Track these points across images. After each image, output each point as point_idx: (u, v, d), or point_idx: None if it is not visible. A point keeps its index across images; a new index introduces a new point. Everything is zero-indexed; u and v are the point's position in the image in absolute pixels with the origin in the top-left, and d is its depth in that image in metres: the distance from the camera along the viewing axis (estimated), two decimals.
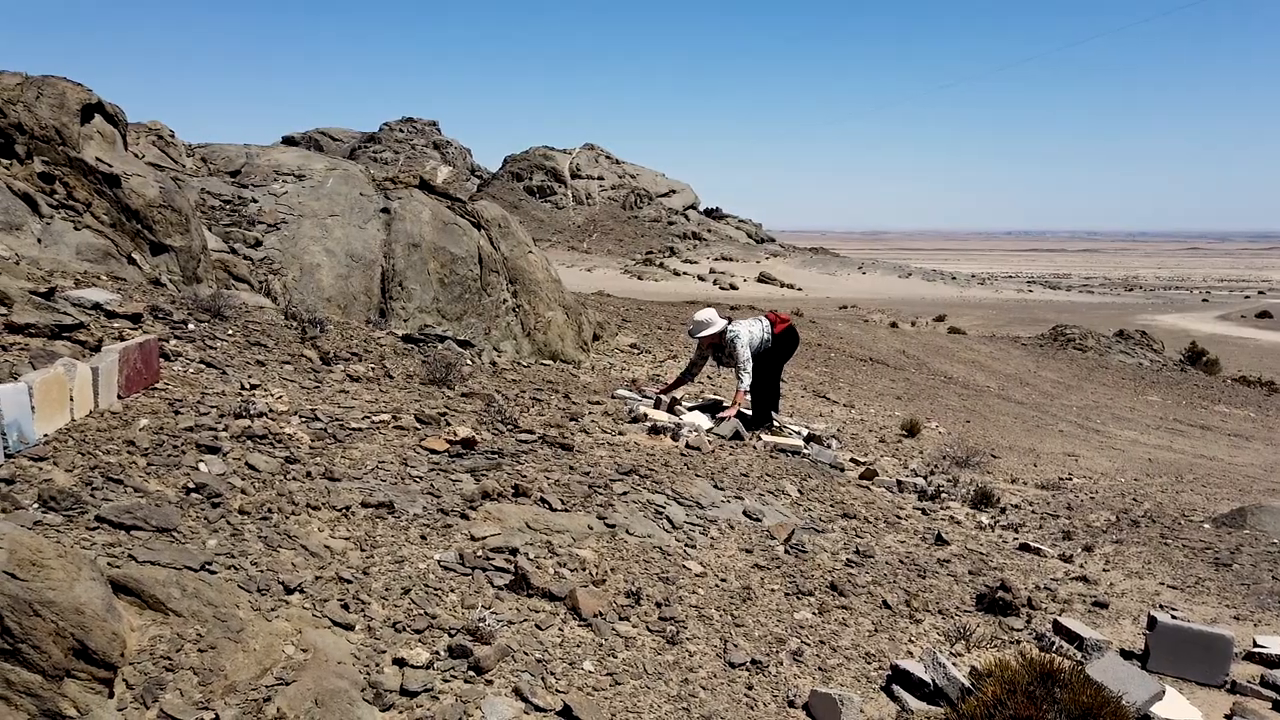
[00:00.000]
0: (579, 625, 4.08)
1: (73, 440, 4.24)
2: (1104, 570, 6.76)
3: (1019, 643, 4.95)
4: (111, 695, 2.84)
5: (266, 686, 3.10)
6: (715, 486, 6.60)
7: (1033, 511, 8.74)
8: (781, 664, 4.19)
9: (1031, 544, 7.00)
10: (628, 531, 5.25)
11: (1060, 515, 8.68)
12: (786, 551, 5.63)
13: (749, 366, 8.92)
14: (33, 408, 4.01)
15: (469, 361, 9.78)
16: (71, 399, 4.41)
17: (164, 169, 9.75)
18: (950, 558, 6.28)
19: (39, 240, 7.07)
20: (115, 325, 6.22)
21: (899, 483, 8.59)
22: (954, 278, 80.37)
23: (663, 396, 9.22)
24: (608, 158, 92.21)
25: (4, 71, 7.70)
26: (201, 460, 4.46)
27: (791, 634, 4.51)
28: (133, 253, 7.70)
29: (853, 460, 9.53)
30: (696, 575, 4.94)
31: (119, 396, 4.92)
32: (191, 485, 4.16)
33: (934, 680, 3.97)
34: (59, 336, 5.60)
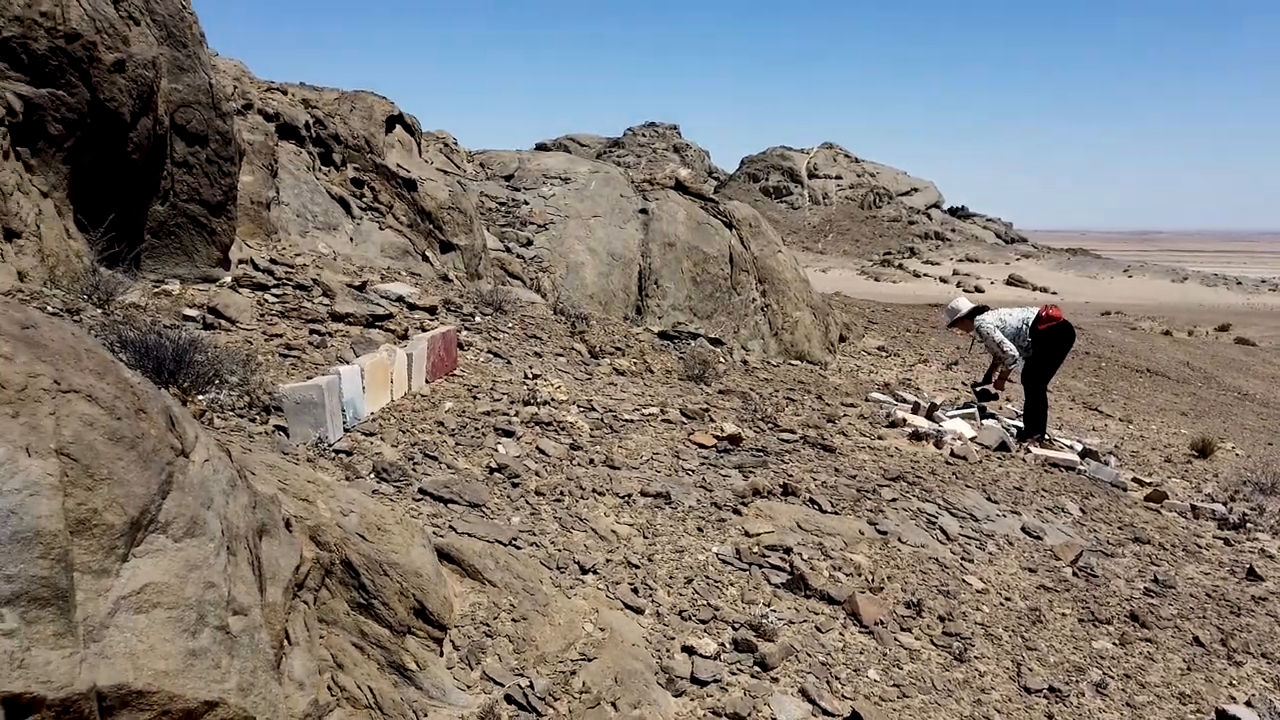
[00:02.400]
0: (860, 632, 3.99)
1: (394, 419, 4.68)
2: None
3: None
4: (441, 654, 3.09)
5: (571, 660, 3.25)
6: (988, 499, 6.24)
7: None
8: (1083, 695, 3.87)
9: None
10: (900, 539, 5.08)
11: None
12: (1074, 574, 5.22)
13: (1008, 345, 8.35)
14: (363, 388, 4.47)
15: (721, 359, 9.89)
16: (391, 381, 4.87)
17: (449, 174, 10.66)
18: (1267, 595, 5.56)
19: (351, 239, 7.90)
20: (416, 316, 6.84)
21: (1193, 508, 7.72)
22: (1239, 282, 71.36)
23: (989, 388, 8.96)
24: (846, 156, 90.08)
25: (324, 88, 8.71)
26: (500, 443, 4.79)
27: (1091, 664, 4.16)
28: (425, 250, 8.44)
29: (1135, 480, 8.67)
30: (978, 591, 4.68)
31: (426, 381, 5.38)
32: (494, 465, 4.46)
33: None
34: (372, 325, 6.23)
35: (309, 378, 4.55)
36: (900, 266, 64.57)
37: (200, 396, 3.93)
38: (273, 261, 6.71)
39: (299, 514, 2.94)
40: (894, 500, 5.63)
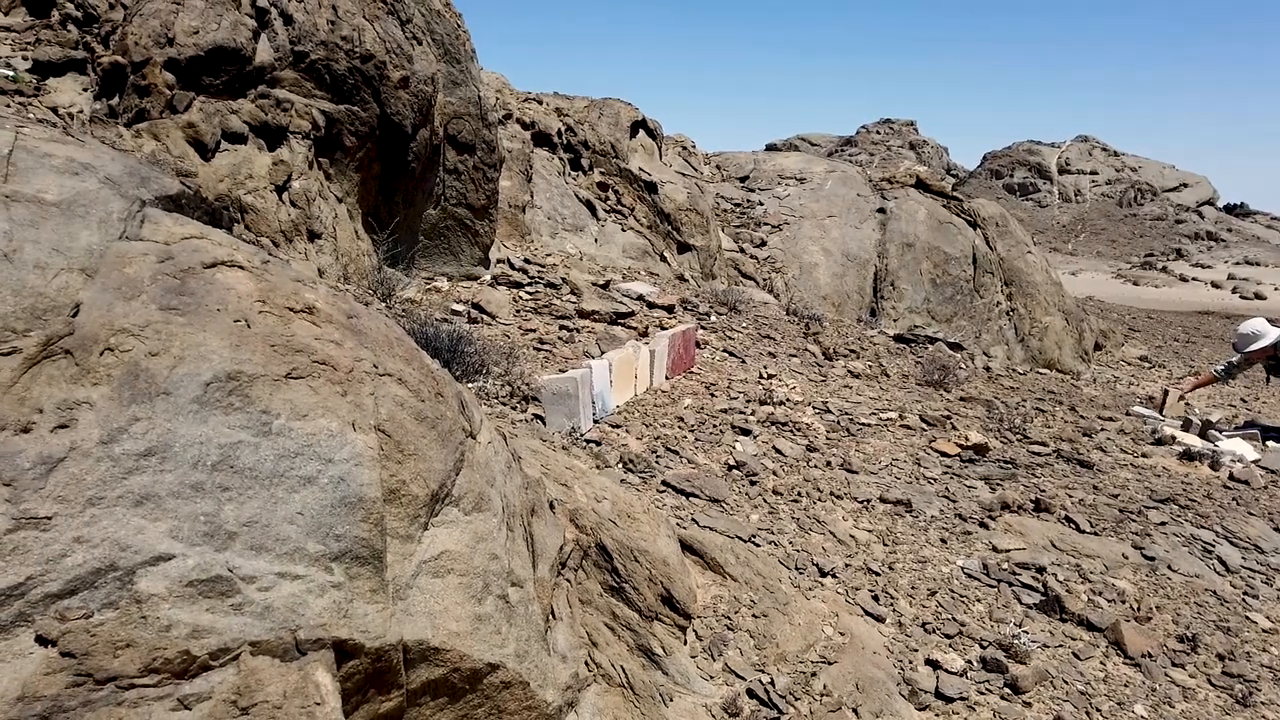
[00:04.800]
0: (1124, 663, 3.69)
1: (637, 412, 4.86)
2: None
3: None
4: (685, 643, 3.18)
5: (812, 661, 3.25)
6: (1277, 529, 5.57)
7: None
8: None
9: None
10: (1170, 567, 4.64)
11: None
12: None
13: None
14: (611, 382, 4.68)
15: (962, 365, 9.45)
16: (635, 376, 5.06)
17: (687, 176, 10.92)
18: None
19: (595, 240, 8.28)
20: (655, 314, 7.05)
21: None
22: None
23: (1179, 402, 8.08)
24: (1103, 150, 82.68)
25: (575, 96, 9.20)
26: (737, 440, 4.85)
27: None
28: (664, 251, 8.70)
29: None
30: (1265, 631, 4.19)
31: (666, 377, 5.55)
32: (731, 463, 4.53)
33: None
34: (615, 322, 6.49)
35: (561, 370, 4.83)
36: (1164, 269, 58.46)
37: (470, 385, 4.28)
38: (526, 261, 7.16)
39: (559, 497, 3.14)
40: (1163, 524, 5.16)
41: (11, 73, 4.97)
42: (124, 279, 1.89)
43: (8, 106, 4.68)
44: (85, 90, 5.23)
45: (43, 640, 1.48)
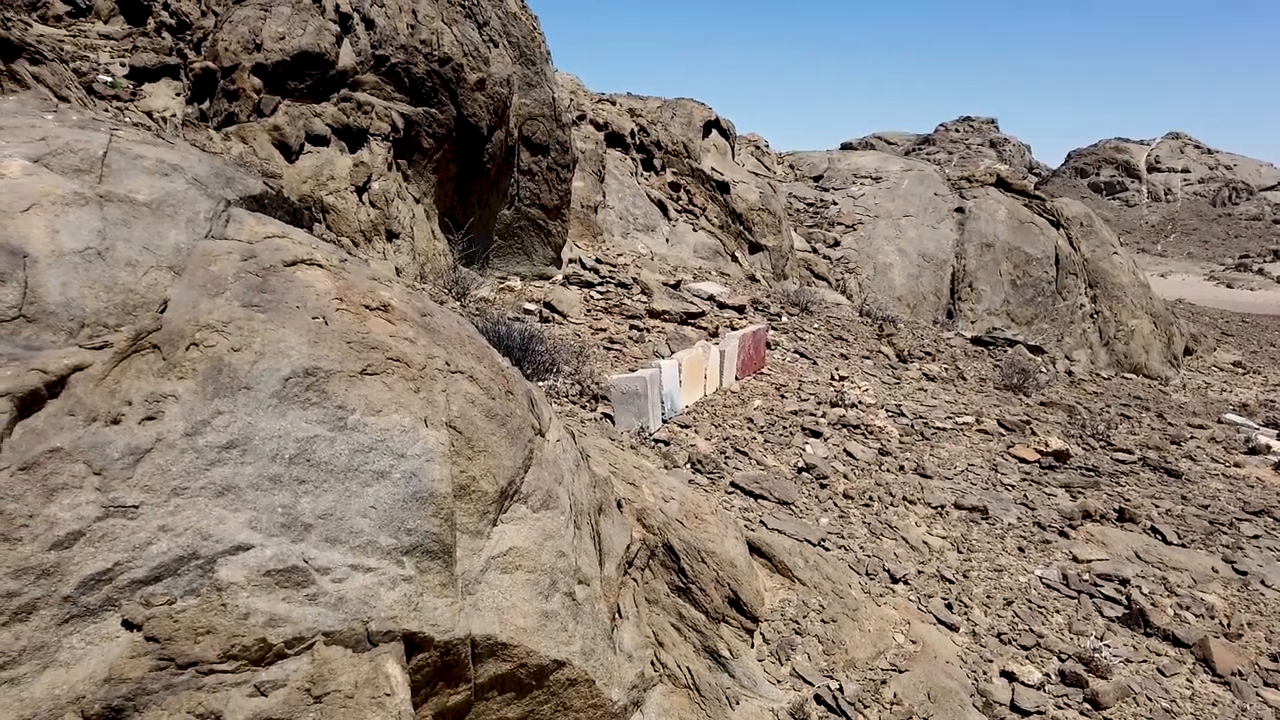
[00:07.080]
0: (1212, 680, 3.54)
1: (706, 413, 4.85)
2: None
3: None
4: (752, 646, 3.15)
5: (882, 669, 3.19)
6: None
7: None
8: None
9: None
10: (1263, 582, 4.44)
11: None
12: None
13: None
14: (680, 382, 4.67)
15: (1043, 369, 9.18)
16: (705, 377, 5.04)
17: (760, 176, 10.83)
18: None
19: (666, 240, 8.27)
20: (725, 315, 7.02)
21: None
22: None
23: None
24: (1196, 147, 79.24)
25: (648, 97, 9.22)
26: (807, 443, 4.80)
27: None
28: (735, 251, 8.66)
29: None
30: None
31: (736, 378, 5.51)
32: (801, 465, 4.48)
33: None
34: (685, 322, 6.48)
35: (630, 370, 4.83)
36: (1260, 271, 55.79)
37: (540, 383, 4.32)
38: (598, 260, 7.20)
39: (627, 496, 3.14)
40: (1256, 537, 4.93)
41: (110, 79, 5.19)
42: (209, 276, 1.96)
43: (106, 111, 4.90)
44: (178, 95, 5.43)
45: (129, 625, 1.54)
